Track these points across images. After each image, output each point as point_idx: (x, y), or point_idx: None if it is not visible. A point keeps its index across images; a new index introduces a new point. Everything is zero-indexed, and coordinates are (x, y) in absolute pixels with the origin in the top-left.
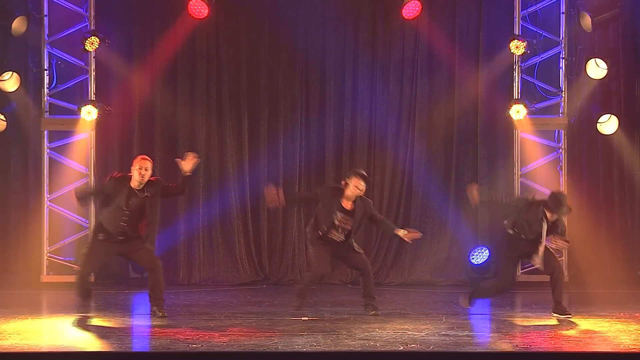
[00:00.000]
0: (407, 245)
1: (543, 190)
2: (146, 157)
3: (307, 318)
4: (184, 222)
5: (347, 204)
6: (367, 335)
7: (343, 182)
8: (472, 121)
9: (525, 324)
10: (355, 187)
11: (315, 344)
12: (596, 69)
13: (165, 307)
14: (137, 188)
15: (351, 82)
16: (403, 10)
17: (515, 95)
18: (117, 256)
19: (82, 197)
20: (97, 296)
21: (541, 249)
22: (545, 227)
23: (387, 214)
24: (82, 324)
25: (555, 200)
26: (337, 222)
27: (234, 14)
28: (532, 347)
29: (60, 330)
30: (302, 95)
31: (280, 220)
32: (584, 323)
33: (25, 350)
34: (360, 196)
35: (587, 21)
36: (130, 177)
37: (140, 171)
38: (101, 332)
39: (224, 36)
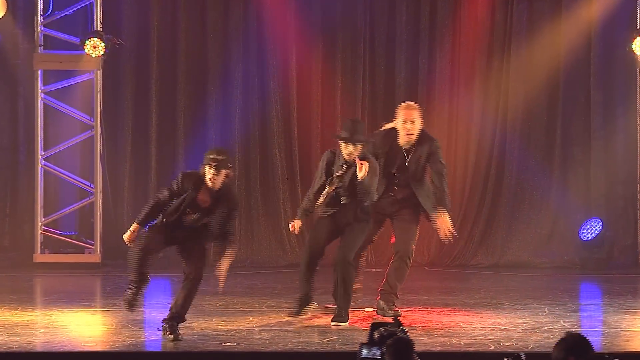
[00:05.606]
0: (499, 218)
1: None
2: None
3: (370, 309)
4: None
5: None
6: (448, 332)
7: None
8: (583, 58)
9: None
10: None
11: None
12: None
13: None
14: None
15: (428, 9)
16: None
17: None
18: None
19: None
20: (105, 280)
21: None
22: None
23: (474, 176)
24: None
25: None
26: None
27: None
28: None
29: (59, 324)
30: (365, 25)
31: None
32: None
33: (15, 350)
34: None
35: None
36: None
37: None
38: (110, 326)
39: None
